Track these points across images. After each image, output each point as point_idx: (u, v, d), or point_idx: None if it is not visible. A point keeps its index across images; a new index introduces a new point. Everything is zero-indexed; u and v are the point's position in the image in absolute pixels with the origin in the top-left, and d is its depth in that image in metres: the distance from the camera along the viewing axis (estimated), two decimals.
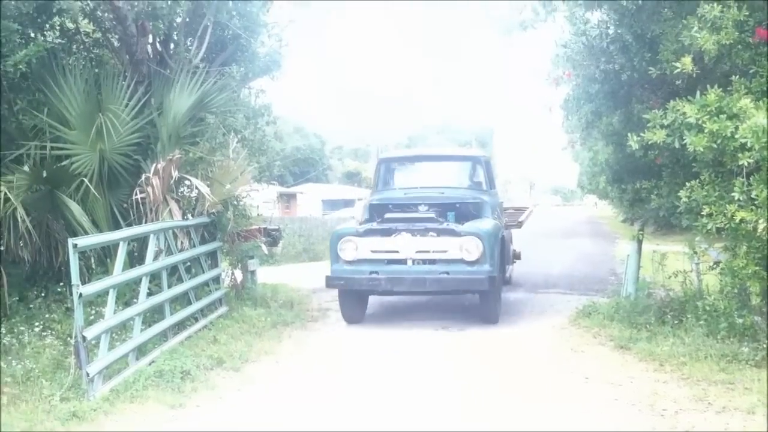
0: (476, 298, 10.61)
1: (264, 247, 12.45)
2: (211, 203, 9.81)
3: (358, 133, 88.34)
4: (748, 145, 6.98)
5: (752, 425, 5.87)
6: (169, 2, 9.71)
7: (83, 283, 6.85)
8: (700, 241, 9.07)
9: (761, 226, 7.08)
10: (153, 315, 8.50)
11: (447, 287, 10.15)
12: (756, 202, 7.17)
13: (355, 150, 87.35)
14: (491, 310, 10.30)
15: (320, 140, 73.65)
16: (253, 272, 12.01)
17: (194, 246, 9.81)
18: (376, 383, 7.45)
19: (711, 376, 7.15)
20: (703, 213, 7.58)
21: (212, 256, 10.54)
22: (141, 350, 7.73)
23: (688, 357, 7.68)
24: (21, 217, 8.34)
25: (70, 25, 10.27)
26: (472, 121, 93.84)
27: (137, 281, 8.03)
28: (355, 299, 10.70)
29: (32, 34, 9.32)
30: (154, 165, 9.36)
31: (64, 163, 9.29)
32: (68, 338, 7.55)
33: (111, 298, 7.21)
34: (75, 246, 6.59)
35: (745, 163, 7.09)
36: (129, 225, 9.31)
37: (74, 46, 10.46)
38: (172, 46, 10.71)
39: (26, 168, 9.01)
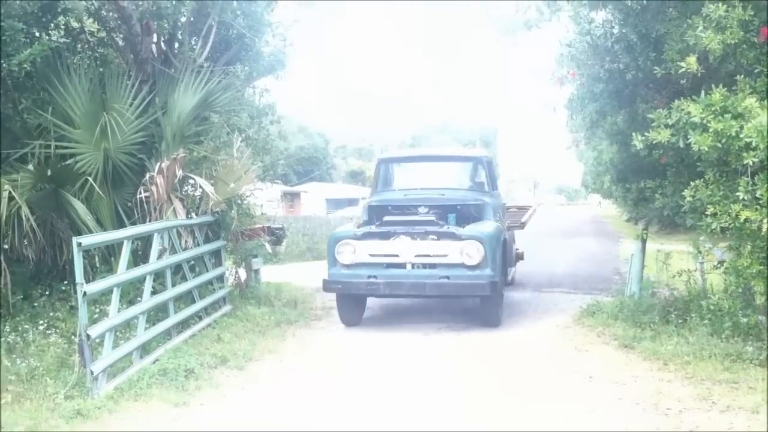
0: (478, 299, 10.53)
1: (268, 246, 12.42)
2: (215, 202, 9.81)
3: (361, 133, 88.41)
4: (753, 144, 6.98)
5: (756, 425, 5.86)
6: (173, 2, 9.74)
7: (87, 281, 6.87)
8: (705, 241, 9.06)
9: (765, 226, 7.08)
10: (157, 313, 8.52)
11: (447, 292, 9.89)
12: (760, 202, 7.17)
13: (358, 149, 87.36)
14: (492, 315, 10.08)
15: (324, 139, 73.68)
16: (256, 271, 12.03)
17: (198, 245, 9.82)
18: (380, 382, 7.45)
19: (715, 375, 7.15)
20: (708, 212, 7.57)
21: (216, 254, 10.55)
22: (145, 348, 7.75)
23: (692, 356, 7.68)
24: (25, 215, 8.35)
25: (75, 25, 10.28)
26: (475, 120, 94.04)
27: (141, 280, 8.03)
28: (353, 302, 10.51)
29: (37, 34, 9.33)
30: (159, 164, 9.37)
31: (68, 161, 9.31)
32: (72, 336, 7.56)
33: (115, 296, 7.23)
34: (79, 244, 6.60)
35: (750, 163, 7.08)
36: (133, 224, 9.33)
37: (79, 46, 10.46)
38: (176, 45, 10.71)
39: (31, 167, 9.02)
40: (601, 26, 9.93)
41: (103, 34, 10.70)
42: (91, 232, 8.70)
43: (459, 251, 9.61)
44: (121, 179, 9.69)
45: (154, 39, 10.49)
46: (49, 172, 9.01)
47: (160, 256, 8.45)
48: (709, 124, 7.24)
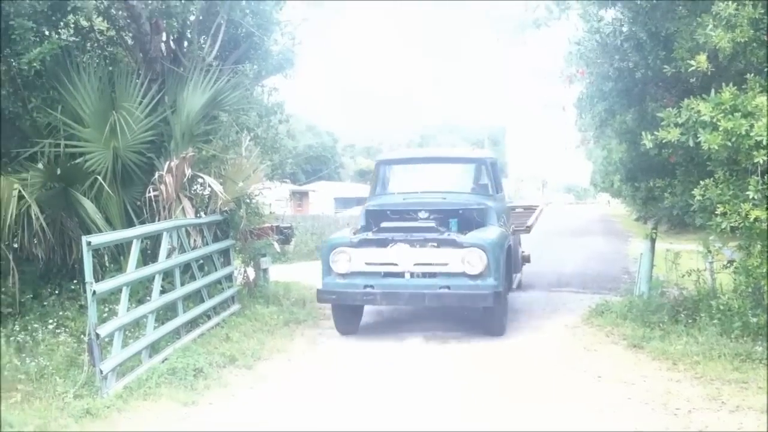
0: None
1: (276, 245, 12.44)
2: (223, 201, 9.82)
3: (369, 132, 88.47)
4: (763, 143, 6.96)
5: (766, 425, 5.82)
6: (182, 0, 9.75)
7: (97, 280, 6.88)
8: (714, 240, 9.03)
9: None
10: (166, 313, 8.54)
11: (448, 303, 9.37)
12: None
13: (367, 148, 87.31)
14: (496, 324, 9.54)
15: (332, 138, 73.69)
16: (265, 270, 12.03)
17: (207, 244, 9.83)
18: (388, 381, 7.45)
19: (724, 375, 7.12)
20: (717, 212, 7.55)
21: (225, 253, 10.56)
22: (154, 348, 7.77)
23: (702, 356, 7.66)
24: (35, 214, 8.38)
25: (85, 23, 10.30)
26: (483, 120, 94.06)
27: (150, 279, 8.05)
28: (349, 311, 9.98)
29: (47, 32, 9.37)
30: (168, 163, 9.39)
31: (78, 160, 9.34)
32: (82, 335, 7.58)
33: (124, 295, 7.25)
34: (89, 244, 6.62)
35: (760, 161, 7.06)
36: (142, 223, 9.36)
37: (88, 44, 10.49)
38: (185, 44, 10.73)
39: (40, 165, 9.05)
40: (610, 24, 9.90)
41: (112, 32, 10.74)
42: (100, 231, 8.72)
43: (460, 259, 9.11)
44: (131, 178, 9.71)
45: (164, 38, 10.53)
46: (58, 171, 9.04)
47: (169, 256, 8.47)
48: (718, 123, 7.21)
